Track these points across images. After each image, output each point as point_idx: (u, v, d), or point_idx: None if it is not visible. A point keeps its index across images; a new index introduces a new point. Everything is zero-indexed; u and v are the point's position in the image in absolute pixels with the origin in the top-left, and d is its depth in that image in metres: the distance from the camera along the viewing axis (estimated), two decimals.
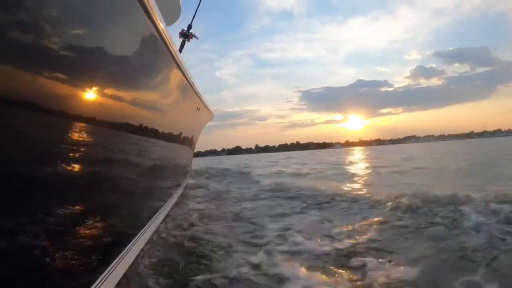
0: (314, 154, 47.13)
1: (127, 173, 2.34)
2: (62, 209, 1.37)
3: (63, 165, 1.36)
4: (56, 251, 1.36)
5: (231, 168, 16.66)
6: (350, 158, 24.19)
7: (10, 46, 1.01)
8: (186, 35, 5.08)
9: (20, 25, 1.04)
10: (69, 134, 1.42)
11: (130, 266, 2.13)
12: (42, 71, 1.16)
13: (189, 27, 5.18)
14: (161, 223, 3.45)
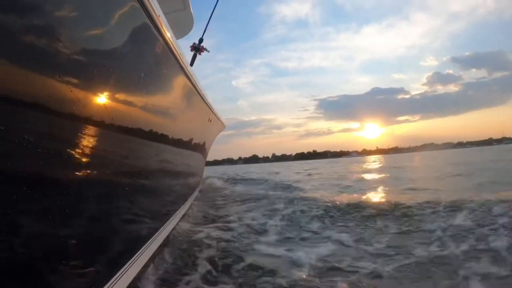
0: (337, 162, 44.13)
1: (139, 180, 2.40)
2: (69, 214, 1.40)
3: (71, 169, 1.41)
4: (66, 255, 1.40)
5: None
6: (388, 164, 21.77)
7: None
8: (197, 49, 5.17)
9: (28, 29, 1.08)
10: (90, 142, 1.53)
11: (136, 276, 2.17)
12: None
13: (200, 40, 5.26)
14: (172, 230, 3.50)
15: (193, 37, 5.39)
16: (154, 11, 1.98)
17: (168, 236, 3.29)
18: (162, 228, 2.98)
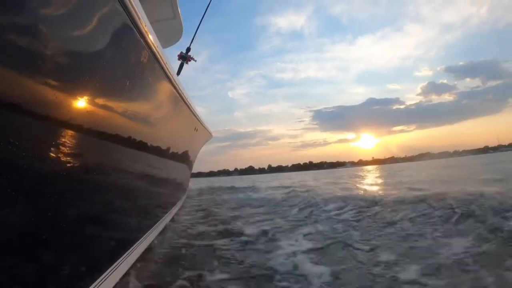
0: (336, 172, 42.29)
1: (119, 190, 2.36)
2: (46, 220, 1.41)
3: (51, 176, 1.41)
4: (44, 263, 1.44)
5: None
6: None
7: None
8: (184, 58, 5.15)
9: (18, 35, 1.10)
10: (72, 150, 1.54)
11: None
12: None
13: (188, 49, 5.25)
14: (150, 243, 3.40)
15: (182, 46, 5.40)
16: (140, 20, 1.98)
17: (145, 249, 3.19)
18: (139, 241, 2.89)
